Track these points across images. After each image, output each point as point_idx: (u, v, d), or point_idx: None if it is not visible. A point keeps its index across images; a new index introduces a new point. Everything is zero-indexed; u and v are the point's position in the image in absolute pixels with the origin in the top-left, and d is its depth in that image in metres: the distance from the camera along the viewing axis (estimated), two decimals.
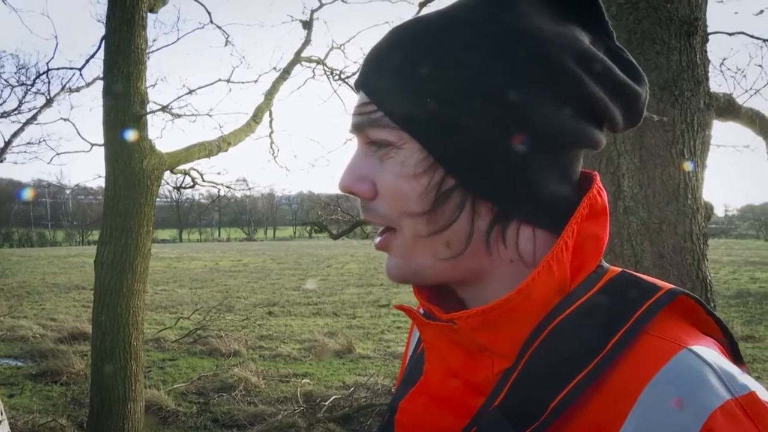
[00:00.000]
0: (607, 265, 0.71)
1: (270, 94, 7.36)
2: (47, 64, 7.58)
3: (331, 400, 7.39)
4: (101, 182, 5.08)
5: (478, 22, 0.66)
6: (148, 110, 5.04)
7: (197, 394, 8.00)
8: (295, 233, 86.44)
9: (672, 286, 0.67)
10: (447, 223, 0.67)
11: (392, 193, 0.69)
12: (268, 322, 13.37)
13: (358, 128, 0.71)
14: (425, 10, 8.14)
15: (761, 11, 5.48)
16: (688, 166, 2.45)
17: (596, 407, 0.61)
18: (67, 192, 68.48)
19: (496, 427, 0.64)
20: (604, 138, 0.70)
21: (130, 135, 4.83)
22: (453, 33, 0.66)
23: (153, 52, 7.22)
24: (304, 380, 8.54)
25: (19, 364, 9.87)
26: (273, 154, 9.12)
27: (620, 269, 0.70)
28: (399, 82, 0.67)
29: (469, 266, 0.70)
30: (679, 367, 0.60)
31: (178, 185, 8.07)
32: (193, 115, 6.61)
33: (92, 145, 8.61)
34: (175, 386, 8.21)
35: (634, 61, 0.72)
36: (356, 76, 0.74)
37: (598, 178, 0.72)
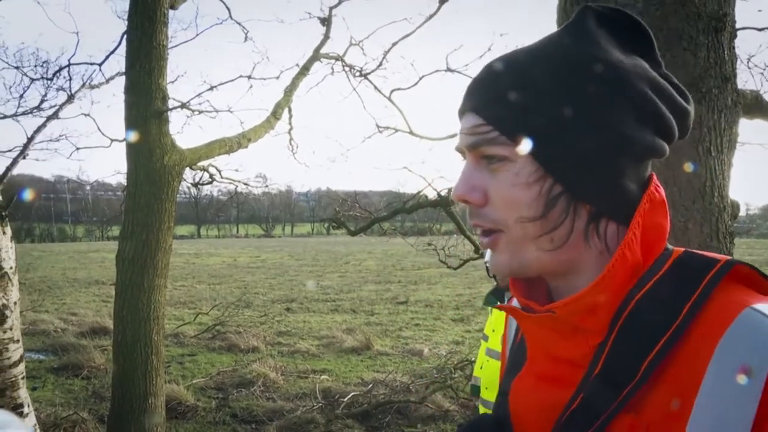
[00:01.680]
0: (672, 247, 0.84)
1: (289, 90, 7.37)
2: (69, 60, 7.59)
3: (349, 396, 7.39)
4: (120, 178, 5.11)
5: (573, 55, 0.80)
6: (169, 106, 5.05)
7: (216, 389, 8.04)
8: (312, 230, 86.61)
9: (728, 257, 0.79)
10: (556, 224, 0.80)
11: (505, 200, 0.82)
12: (287, 319, 13.41)
13: (473, 146, 0.83)
14: (446, 7, 8.11)
15: None
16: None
17: (680, 365, 0.73)
18: (87, 188, 69.12)
19: (600, 392, 0.76)
20: (667, 150, 0.84)
21: (151, 131, 4.85)
22: (553, 64, 0.80)
23: (173, 48, 7.24)
24: (322, 376, 8.56)
25: (42, 357, 9.96)
26: (292, 151, 9.13)
27: (683, 249, 0.83)
28: (510, 106, 0.80)
29: (566, 259, 0.83)
30: (745, 322, 0.71)
31: (197, 182, 8.10)
32: (213, 111, 6.62)
33: (111, 140, 8.67)
34: (194, 381, 8.25)
35: (680, 85, 0.86)
36: (461, 103, 0.86)
37: (654, 177, 0.85)
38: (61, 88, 9.21)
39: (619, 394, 0.74)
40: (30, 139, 9.03)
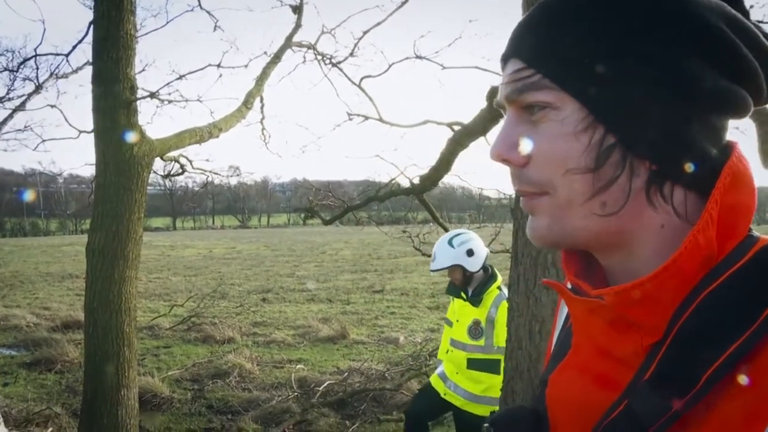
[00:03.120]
0: (757, 234, 0.69)
1: (261, 79, 7.32)
2: (35, 49, 7.49)
3: (325, 385, 7.41)
4: (92, 170, 5.05)
5: None
6: (137, 96, 5.00)
7: (192, 380, 8.01)
8: (289, 220, 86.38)
9: None
10: (608, 181, 0.67)
11: (550, 155, 0.69)
12: (262, 309, 13.39)
13: (513, 94, 0.72)
14: None
15: None
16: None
17: (756, 378, 0.59)
18: (60, 181, 68.33)
19: (649, 400, 0.64)
20: (751, 106, 0.70)
21: (120, 121, 4.80)
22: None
23: (142, 36, 7.15)
24: (298, 366, 8.56)
25: (13, 353, 9.86)
26: (264, 141, 9.08)
27: None
28: (556, 44, 0.69)
29: (619, 229, 0.70)
30: None
31: (168, 173, 8.03)
32: (182, 100, 6.56)
33: (80, 132, 8.57)
34: (169, 373, 8.21)
35: None
36: (504, 50, 0.75)
37: (738, 146, 0.71)
38: (27, 78, 9.11)
39: (670, 407, 0.62)
40: None
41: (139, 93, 5.19)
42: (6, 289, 16.19)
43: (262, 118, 8.64)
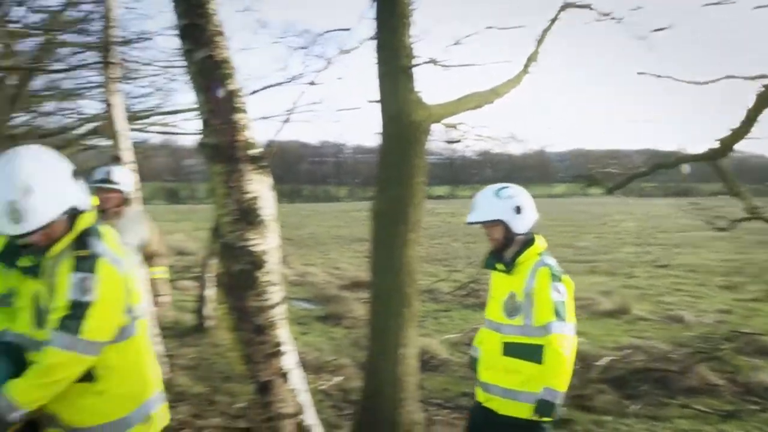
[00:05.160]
0: None
1: (539, 42, 7.07)
2: (323, 28, 8.06)
3: (604, 360, 7.07)
4: (376, 141, 5.24)
5: None
6: (414, 63, 5.08)
7: (468, 345, 8.13)
8: (567, 190, 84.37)
9: None
10: None
11: None
12: None
13: None
14: None
15: None
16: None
17: None
18: (348, 151, 73.85)
19: None
20: None
21: (399, 89, 4.92)
22: None
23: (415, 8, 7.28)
24: (578, 339, 8.29)
25: (310, 306, 10.82)
26: (540, 108, 8.80)
27: None
28: None
29: None
30: None
31: (447, 139, 8.14)
32: (458, 66, 6.55)
33: (365, 102, 9.01)
34: (447, 336, 8.43)
35: None
36: None
37: None
38: (318, 56, 9.83)
39: None
40: (293, 106, 9.75)
41: (417, 60, 5.26)
42: (304, 249, 17.82)
43: (536, 83, 8.35)
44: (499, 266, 3.75)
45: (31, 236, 2.48)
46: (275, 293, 3.32)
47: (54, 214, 2.44)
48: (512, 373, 3.61)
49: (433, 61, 6.00)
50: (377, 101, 5.15)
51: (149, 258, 5.57)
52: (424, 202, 5.14)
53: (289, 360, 3.42)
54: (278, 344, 3.35)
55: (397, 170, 4.97)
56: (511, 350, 3.64)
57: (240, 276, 3.28)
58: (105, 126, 11.59)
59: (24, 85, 12.01)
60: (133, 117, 11.20)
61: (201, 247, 16.26)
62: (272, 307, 3.31)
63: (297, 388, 3.43)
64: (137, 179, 7.70)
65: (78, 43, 11.12)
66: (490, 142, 8.33)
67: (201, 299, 9.02)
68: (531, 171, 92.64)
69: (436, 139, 7.41)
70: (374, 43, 5.12)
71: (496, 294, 3.80)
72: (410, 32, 5.05)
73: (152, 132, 14.55)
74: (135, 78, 12.12)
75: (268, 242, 3.29)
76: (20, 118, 13.82)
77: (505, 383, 3.62)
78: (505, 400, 3.61)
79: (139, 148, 10.76)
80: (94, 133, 13.56)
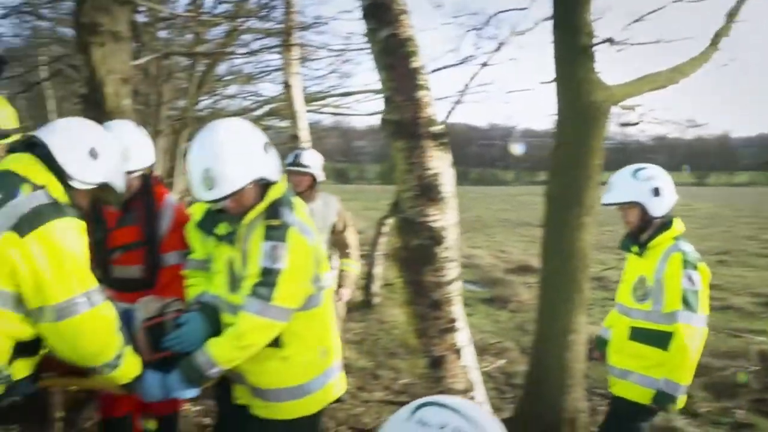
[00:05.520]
0: None
1: (732, 14, 6.57)
2: (496, 9, 7.98)
3: None
4: (545, 125, 5.15)
5: None
6: (594, 42, 4.92)
7: None
8: (752, 179, 78.33)
9: None
10: None
11: None
12: (719, 272, 12.40)
13: None
14: None
15: None
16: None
17: None
18: (516, 134, 72.76)
19: None
20: None
21: (578, 68, 4.80)
22: None
23: None
24: (759, 338, 7.73)
25: (475, 288, 10.85)
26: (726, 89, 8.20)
27: None
28: None
29: None
30: None
31: (623, 123, 7.83)
32: (639, 44, 6.26)
33: (536, 84, 8.85)
34: None
35: None
36: None
37: None
38: (490, 37, 9.76)
39: None
40: (465, 87, 9.76)
41: (596, 39, 5.10)
42: (470, 232, 17.82)
43: (728, 62, 7.78)
44: (633, 248, 3.68)
45: (223, 202, 2.66)
46: (452, 269, 3.38)
47: (243, 182, 2.59)
48: (638, 358, 3.57)
49: (610, 40, 5.78)
50: (550, 82, 5.06)
51: (340, 247, 5.64)
52: (600, 187, 5.00)
53: (463, 336, 3.47)
54: (453, 320, 3.41)
55: (574, 152, 4.85)
56: (638, 335, 3.60)
57: (418, 251, 3.36)
58: (283, 107, 12.22)
59: (210, 71, 12.91)
60: (308, 99, 11.71)
61: (369, 225, 16.77)
62: (449, 283, 3.37)
63: (469, 365, 3.48)
64: None
65: (260, 29, 11.77)
66: (668, 126, 7.93)
67: (369, 276, 9.30)
68: (711, 158, 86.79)
69: (611, 122, 7.13)
70: (550, 23, 5.02)
71: (628, 277, 3.74)
72: (590, 10, 4.90)
73: (326, 113, 15.14)
74: (311, 61, 12.67)
75: (447, 218, 3.36)
76: (205, 102, 14.87)
77: (628, 365, 3.61)
78: (623, 381, 3.61)
79: (313, 129, 11.24)
80: (271, 114, 14.34)
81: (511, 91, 14.37)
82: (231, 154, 2.57)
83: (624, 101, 5.38)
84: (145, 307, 2.85)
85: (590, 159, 4.81)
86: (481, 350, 7.14)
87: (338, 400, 3.53)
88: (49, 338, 2.34)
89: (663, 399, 3.43)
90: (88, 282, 2.35)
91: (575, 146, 4.85)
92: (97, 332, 2.36)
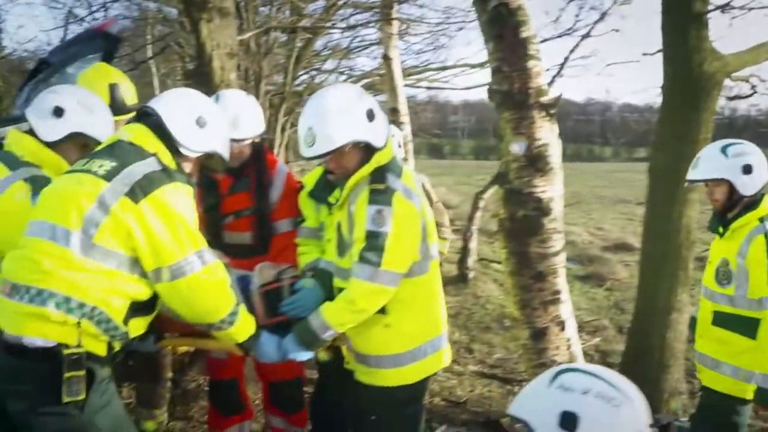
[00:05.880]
0: None
1: None
2: None
3: None
4: (646, 99, 4.99)
5: None
6: (708, 9, 4.72)
7: None
8: None
9: None
10: None
11: None
12: None
13: None
14: None
15: None
16: None
17: None
18: (614, 109, 70.41)
19: None
20: None
21: (689, 37, 4.62)
22: None
23: None
24: None
25: (570, 265, 10.67)
26: None
27: None
28: None
29: None
30: None
31: (733, 95, 7.49)
32: (761, 7, 5.95)
33: (638, 56, 8.56)
34: None
35: None
36: None
37: None
38: (592, 8, 9.48)
39: None
40: (565, 60, 9.52)
41: (710, 6, 4.89)
42: (566, 208, 17.46)
43: None
44: (719, 229, 3.46)
45: (325, 163, 2.78)
46: (558, 241, 3.37)
47: (341, 142, 2.63)
48: (722, 344, 3.36)
49: (726, 6, 5.51)
50: (655, 53, 4.89)
51: None
52: None
53: (566, 309, 3.46)
54: (557, 292, 3.41)
55: (682, 126, 4.69)
56: (721, 320, 3.39)
57: (524, 222, 3.36)
58: (378, 81, 12.28)
59: (308, 46, 13.10)
60: (404, 73, 11.74)
61: (463, 200, 16.72)
62: (554, 254, 3.37)
63: (572, 338, 3.47)
64: (408, 134, 8.09)
65: (359, 3, 11.84)
66: None
67: (464, 251, 9.30)
68: None
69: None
70: None
71: (712, 259, 3.52)
72: None
73: (421, 87, 15.14)
74: (409, 35, 12.67)
75: (554, 189, 3.34)
76: (303, 77, 15.10)
77: (715, 354, 3.39)
78: (711, 371, 3.41)
79: (409, 103, 11.27)
80: (367, 88, 14.44)
81: (611, 63, 13.84)
82: (332, 115, 2.63)
83: (737, 72, 5.16)
84: (261, 273, 2.98)
85: (698, 133, 4.63)
86: (577, 328, 7.07)
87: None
88: (167, 298, 2.48)
89: (762, 396, 3.21)
90: (199, 242, 2.47)
91: (683, 120, 4.68)
92: (210, 289, 2.48)
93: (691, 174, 3.52)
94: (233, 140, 3.11)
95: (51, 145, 2.90)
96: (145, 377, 3.88)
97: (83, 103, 3.00)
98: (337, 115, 2.63)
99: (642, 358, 4.90)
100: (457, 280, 9.01)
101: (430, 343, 2.85)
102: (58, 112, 2.89)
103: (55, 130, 2.89)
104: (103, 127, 3.02)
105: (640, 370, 4.86)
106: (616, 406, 1.45)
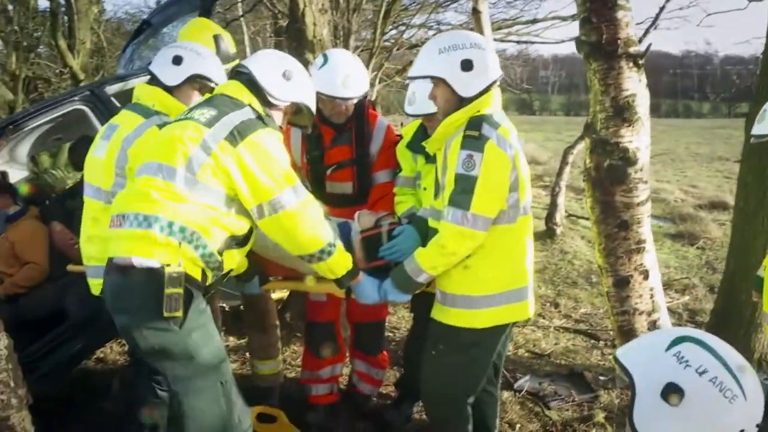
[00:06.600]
0: None
1: None
2: None
3: None
4: (752, 50, 4.78)
5: None
6: None
7: None
8: None
9: None
10: None
11: None
12: None
13: None
14: None
15: None
16: None
17: None
18: (715, 62, 66.92)
19: None
20: None
21: None
22: None
23: None
24: None
25: (660, 223, 10.45)
26: None
27: None
28: None
29: None
30: None
31: None
32: None
33: (743, 3, 8.11)
34: None
35: None
36: None
37: None
38: None
39: None
40: (661, 9, 9.17)
41: None
42: (658, 165, 16.98)
43: None
44: None
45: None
46: (643, 191, 3.37)
47: (427, 73, 2.81)
48: None
49: None
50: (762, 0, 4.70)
51: None
52: None
53: (650, 259, 3.47)
54: (641, 241, 3.42)
55: None
56: None
57: (610, 171, 3.37)
58: None
59: (396, 1, 13.05)
60: (494, 27, 11.56)
61: (552, 157, 16.49)
62: (640, 204, 3.37)
63: (655, 287, 3.49)
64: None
65: None
66: None
67: (553, 206, 9.26)
68: None
69: None
70: None
71: None
72: None
73: (511, 41, 14.88)
74: None
75: (640, 140, 3.33)
76: (391, 32, 15.07)
77: None
78: None
79: (499, 57, 11.12)
80: None
81: (712, 13, 13.15)
82: (433, 51, 2.81)
83: None
84: (361, 219, 3.16)
85: None
86: (666, 285, 6.95)
87: (515, 324, 3.54)
88: (270, 232, 2.72)
89: None
90: (293, 179, 2.71)
91: None
92: (307, 220, 2.70)
93: (756, 129, 3.10)
94: (342, 99, 3.44)
95: (173, 92, 3.26)
96: (255, 326, 4.11)
97: (197, 51, 3.35)
98: (436, 53, 2.78)
99: (732, 315, 4.80)
100: (544, 236, 9.00)
101: (508, 293, 2.87)
102: (177, 60, 3.26)
103: (177, 75, 3.25)
104: (216, 69, 3.36)
105: (728, 328, 4.79)
106: (730, 399, 1.34)
